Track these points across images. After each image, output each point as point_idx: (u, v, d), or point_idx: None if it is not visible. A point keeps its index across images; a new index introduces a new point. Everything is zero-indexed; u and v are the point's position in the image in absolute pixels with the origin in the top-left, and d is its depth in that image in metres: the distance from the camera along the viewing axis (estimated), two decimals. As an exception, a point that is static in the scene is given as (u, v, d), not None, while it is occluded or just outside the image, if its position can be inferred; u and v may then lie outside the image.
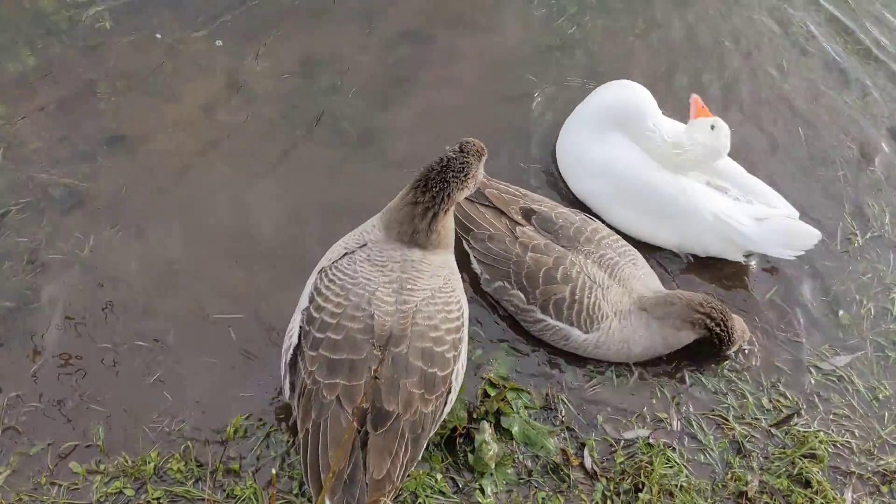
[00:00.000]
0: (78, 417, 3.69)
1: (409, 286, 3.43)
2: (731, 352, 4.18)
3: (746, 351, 4.25)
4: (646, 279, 4.14)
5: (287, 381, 3.46)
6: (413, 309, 3.38)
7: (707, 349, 4.16)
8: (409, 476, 3.63)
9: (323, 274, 3.52)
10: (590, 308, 3.97)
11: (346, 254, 3.55)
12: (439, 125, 4.86)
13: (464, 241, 4.19)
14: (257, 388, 3.85)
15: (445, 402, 3.46)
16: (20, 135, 4.51)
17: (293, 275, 4.19)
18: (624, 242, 4.24)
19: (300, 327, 3.44)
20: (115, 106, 4.68)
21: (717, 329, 4.01)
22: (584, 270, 4.01)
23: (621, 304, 4.01)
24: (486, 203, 4.21)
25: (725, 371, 4.18)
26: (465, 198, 4.05)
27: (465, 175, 3.47)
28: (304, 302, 3.53)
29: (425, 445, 3.41)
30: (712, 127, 4.40)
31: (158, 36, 5.00)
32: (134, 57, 4.90)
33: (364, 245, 3.55)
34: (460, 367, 3.52)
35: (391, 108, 4.94)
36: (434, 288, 3.47)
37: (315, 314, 3.39)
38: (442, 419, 3.54)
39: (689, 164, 4.44)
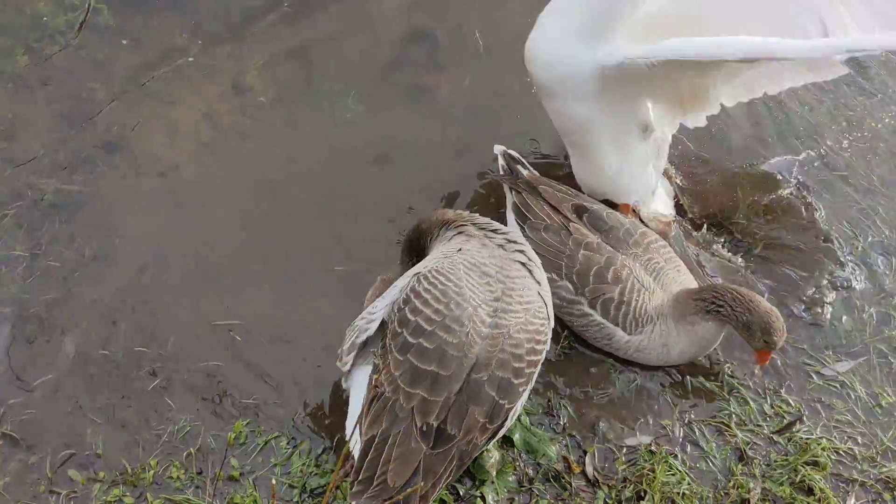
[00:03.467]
0: (77, 425, 3.67)
1: (506, 303, 3.40)
2: (769, 340, 3.93)
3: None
4: (686, 286, 4.12)
5: (351, 355, 3.42)
6: (505, 335, 3.33)
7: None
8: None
9: (422, 277, 3.41)
10: (636, 311, 3.97)
11: (444, 257, 3.51)
12: (446, 124, 4.85)
13: (520, 230, 4.17)
14: (258, 394, 3.83)
15: (497, 433, 3.41)
16: (19, 140, 4.49)
17: (294, 280, 4.19)
18: (670, 249, 4.22)
19: (384, 320, 3.39)
20: (114, 111, 4.66)
21: (723, 309, 3.89)
22: (633, 273, 4.02)
23: (662, 307, 4.02)
24: (541, 198, 4.22)
25: (727, 377, 4.17)
26: (522, 189, 4.18)
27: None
28: (390, 295, 3.45)
29: None
30: None
31: (158, 38, 4.99)
32: (133, 60, 4.87)
33: (460, 250, 3.53)
34: (524, 398, 3.48)
35: (397, 108, 4.93)
36: (529, 309, 3.43)
37: (410, 316, 3.30)
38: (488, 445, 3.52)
39: None
